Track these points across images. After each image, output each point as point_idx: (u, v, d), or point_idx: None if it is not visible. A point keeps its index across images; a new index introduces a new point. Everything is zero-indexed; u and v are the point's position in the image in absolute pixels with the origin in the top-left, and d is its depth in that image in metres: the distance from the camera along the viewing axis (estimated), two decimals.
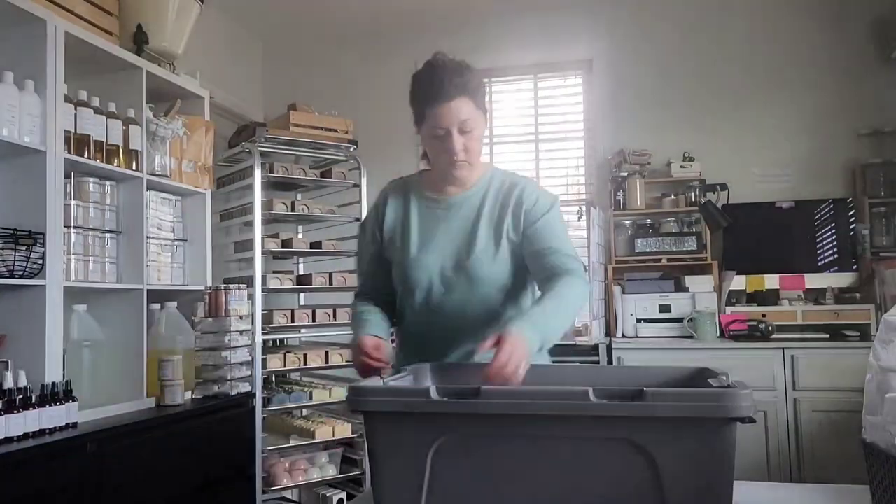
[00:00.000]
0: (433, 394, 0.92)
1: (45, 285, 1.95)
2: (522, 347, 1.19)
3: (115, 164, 2.28)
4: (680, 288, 3.49)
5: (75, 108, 2.14)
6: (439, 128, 1.45)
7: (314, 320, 3.14)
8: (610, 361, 3.25)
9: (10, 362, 1.87)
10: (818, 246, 3.52)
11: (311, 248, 3.27)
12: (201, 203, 2.71)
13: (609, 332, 3.55)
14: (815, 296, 3.45)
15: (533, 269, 1.52)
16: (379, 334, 1.48)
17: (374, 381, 1.03)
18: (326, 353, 3.17)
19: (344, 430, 3.12)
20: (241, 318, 2.60)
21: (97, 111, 2.21)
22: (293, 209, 3.15)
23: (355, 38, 4.19)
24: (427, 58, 1.51)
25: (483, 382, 1.04)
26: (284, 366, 3.04)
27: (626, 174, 3.67)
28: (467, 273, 1.50)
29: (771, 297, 3.44)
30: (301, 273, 3.57)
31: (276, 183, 3.36)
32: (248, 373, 2.67)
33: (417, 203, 1.60)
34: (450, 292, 1.52)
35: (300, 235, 3.62)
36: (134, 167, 2.35)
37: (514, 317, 1.41)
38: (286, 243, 3.16)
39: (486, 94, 1.61)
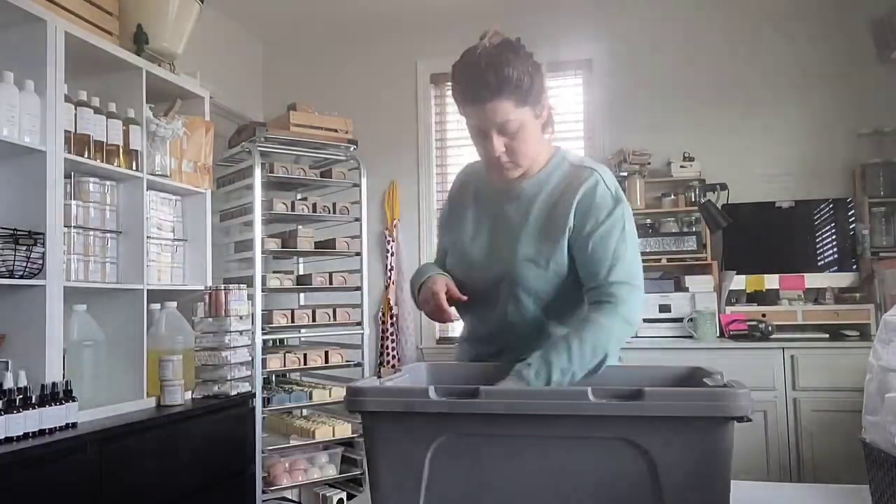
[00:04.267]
0: (432, 394, 0.92)
1: (46, 285, 1.95)
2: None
3: (115, 164, 2.28)
4: (680, 288, 3.49)
5: (75, 108, 2.14)
6: (476, 129, 1.34)
7: (314, 320, 3.14)
8: None
9: (9, 362, 1.88)
10: (818, 246, 3.52)
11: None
12: (201, 203, 2.72)
13: None
14: (815, 296, 3.45)
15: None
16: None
17: (371, 381, 1.03)
18: (326, 352, 3.17)
19: (344, 430, 3.13)
20: (240, 317, 2.60)
21: (97, 111, 2.21)
22: (293, 209, 3.16)
23: (355, 38, 4.18)
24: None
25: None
26: (284, 366, 3.04)
27: (625, 174, 3.66)
28: (511, 278, 1.36)
29: (771, 297, 3.44)
30: (301, 273, 3.57)
31: (276, 183, 3.37)
32: (248, 373, 2.67)
33: (479, 190, 1.50)
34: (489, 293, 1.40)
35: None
36: (134, 167, 2.35)
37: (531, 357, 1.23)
38: (286, 243, 3.16)
39: (540, 85, 1.33)
